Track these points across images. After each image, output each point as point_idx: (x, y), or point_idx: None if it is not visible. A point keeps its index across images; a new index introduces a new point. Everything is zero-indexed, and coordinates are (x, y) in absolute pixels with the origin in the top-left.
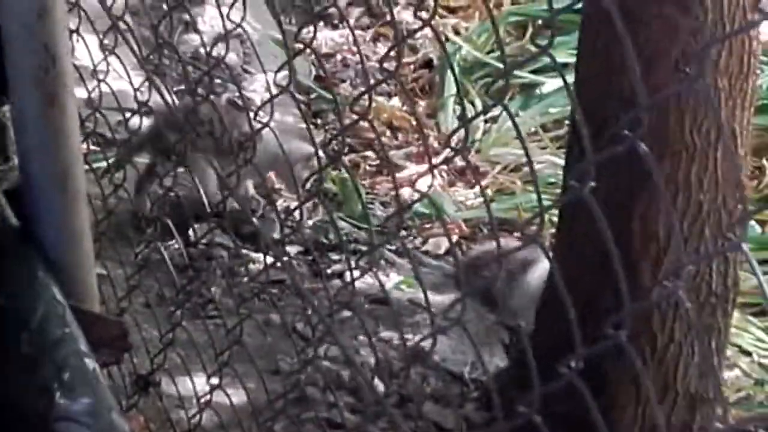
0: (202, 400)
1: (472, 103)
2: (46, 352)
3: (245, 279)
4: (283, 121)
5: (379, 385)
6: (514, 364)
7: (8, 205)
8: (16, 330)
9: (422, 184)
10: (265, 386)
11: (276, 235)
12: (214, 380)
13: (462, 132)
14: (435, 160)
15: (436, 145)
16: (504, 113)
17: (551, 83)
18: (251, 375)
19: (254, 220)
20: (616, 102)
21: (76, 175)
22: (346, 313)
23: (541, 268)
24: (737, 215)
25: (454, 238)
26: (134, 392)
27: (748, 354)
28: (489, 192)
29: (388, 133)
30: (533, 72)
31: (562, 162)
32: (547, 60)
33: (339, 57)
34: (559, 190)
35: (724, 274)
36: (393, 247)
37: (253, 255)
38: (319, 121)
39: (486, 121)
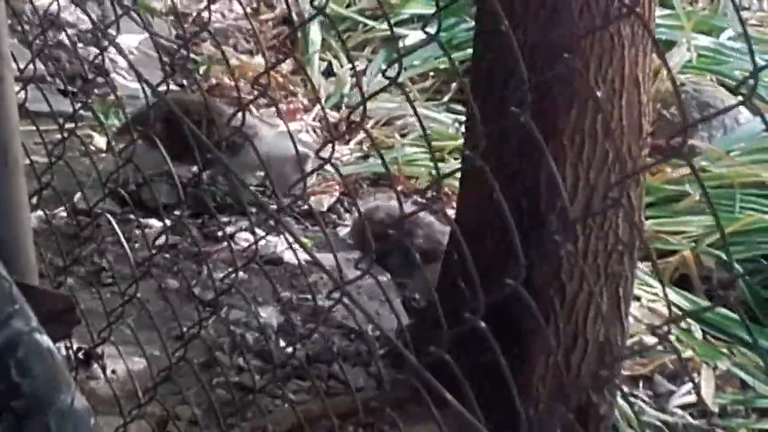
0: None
1: (336, 57)
2: None
3: (137, 245)
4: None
5: (286, 347)
6: (417, 321)
7: None
8: None
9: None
10: (168, 352)
11: (165, 200)
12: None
13: (331, 90)
14: (306, 117)
15: (305, 102)
16: (369, 67)
17: (413, 35)
18: (155, 342)
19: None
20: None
21: (15, 149)
22: (242, 275)
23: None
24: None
25: (336, 194)
26: (74, 366)
27: (637, 299)
28: (365, 147)
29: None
30: (396, 24)
31: (433, 114)
32: (408, 12)
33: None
34: (434, 143)
35: (630, 221)
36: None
37: (143, 221)
38: (184, 82)
39: (352, 76)
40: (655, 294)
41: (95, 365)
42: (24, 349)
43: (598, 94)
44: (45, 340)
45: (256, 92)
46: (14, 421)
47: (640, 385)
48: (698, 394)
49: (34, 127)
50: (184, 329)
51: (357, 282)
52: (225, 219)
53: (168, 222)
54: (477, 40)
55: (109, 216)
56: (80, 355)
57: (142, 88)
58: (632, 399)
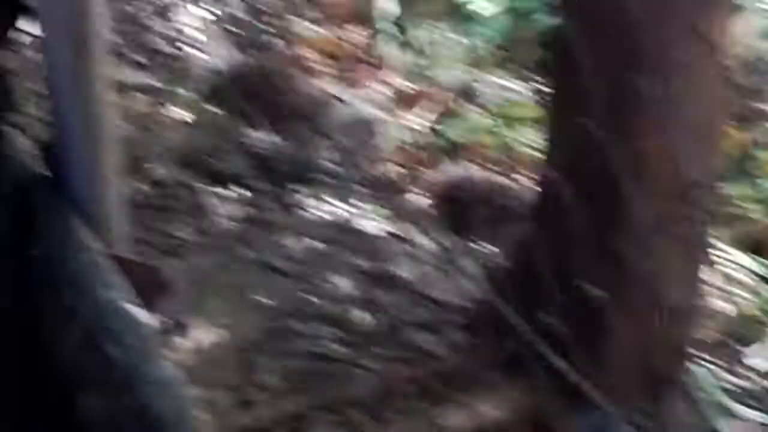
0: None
1: (412, 27)
2: (87, 300)
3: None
4: None
5: (362, 315)
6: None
7: (39, 157)
8: (56, 282)
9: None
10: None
11: (240, 171)
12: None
13: (406, 59)
14: (380, 86)
15: (380, 71)
16: (438, 35)
17: (478, 2)
18: (234, 313)
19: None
20: None
21: (107, 123)
22: (319, 245)
23: None
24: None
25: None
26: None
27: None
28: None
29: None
30: None
31: (508, 84)
32: None
33: None
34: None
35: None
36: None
37: (219, 191)
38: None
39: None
40: (729, 260)
41: (181, 336)
42: (116, 320)
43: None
44: (137, 311)
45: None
46: (110, 393)
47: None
48: None
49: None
50: (263, 299)
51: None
52: (301, 188)
53: (244, 192)
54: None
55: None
56: (167, 326)
57: (217, 61)
58: (706, 364)
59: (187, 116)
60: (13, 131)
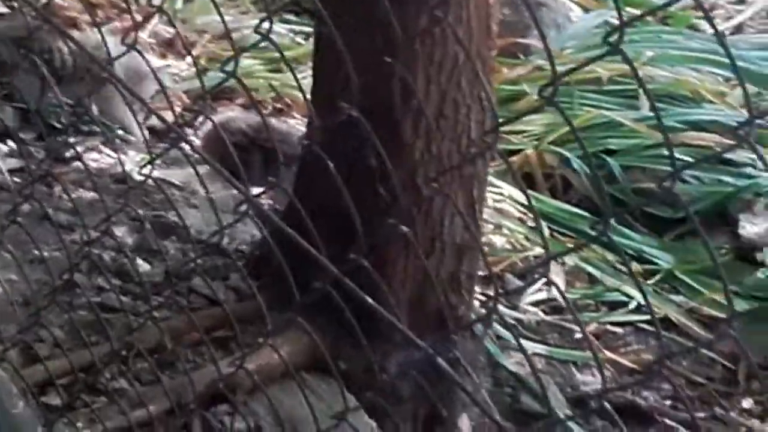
0: None
1: None
2: None
3: None
4: None
5: (143, 265)
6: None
7: None
8: None
9: None
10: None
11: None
12: None
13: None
14: (141, 34)
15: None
16: None
17: None
18: (11, 266)
19: None
20: None
21: None
22: (93, 195)
23: None
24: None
25: (178, 110)
26: None
27: None
28: (202, 62)
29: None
30: None
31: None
32: None
33: None
34: (271, 54)
35: (482, 123)
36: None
37: None
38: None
39: None
40: (501, 194)
41: None
42: None
43: None
44: None
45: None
46: None
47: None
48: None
49: None
50: (40, 253)
51: (210, 194)
52: (72, 140)
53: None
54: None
55: None
56: None
57: None
58: (484, 298)
59: None
60: None
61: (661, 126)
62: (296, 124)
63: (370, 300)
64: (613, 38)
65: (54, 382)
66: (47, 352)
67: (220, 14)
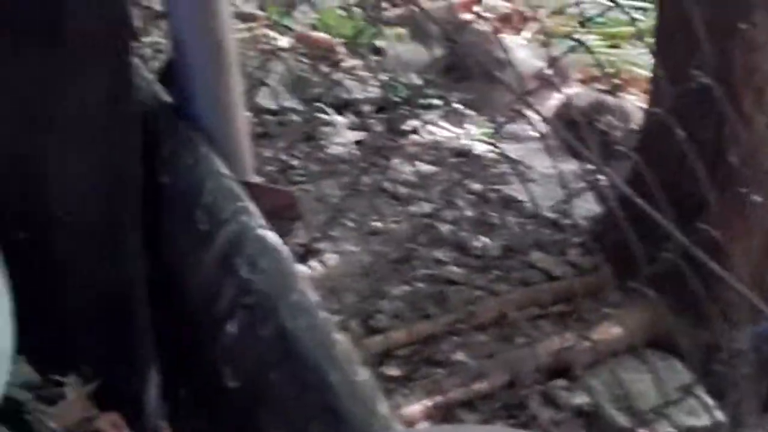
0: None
1: None
2: (222, 226)
3: (322, 142)
4: None
5: (480, 238)
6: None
7: (162, 86)
8: (187, 207)
9: None
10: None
11: (348, 96)
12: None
13: None
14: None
15: None
16: None
17: None
18: (350, 237)
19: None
20: None
21: (229, 47)
22: (432, 168)
23: None
24: None
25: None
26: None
27: None
28: (540, 37)
29: None
30: None
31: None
32: None
33: None
34: (609, 30)
35: None
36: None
37: (329, 118)
38: None
39: None
40: None
41: (313, 261)
42: (252, 245)
43: None
44: (271, 235)
45: None
46: (247, 318)
47: None
48: None
49: None
50: (380, 224)
51: (548, 171)
52: (412, 113)
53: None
54: None
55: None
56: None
57: None
58: None
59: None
60: (136, 60)
61: None
62: (633, 101)
63: (720, 270)
64: None
65: (393, 353)
66: (386, 324)
67: None
